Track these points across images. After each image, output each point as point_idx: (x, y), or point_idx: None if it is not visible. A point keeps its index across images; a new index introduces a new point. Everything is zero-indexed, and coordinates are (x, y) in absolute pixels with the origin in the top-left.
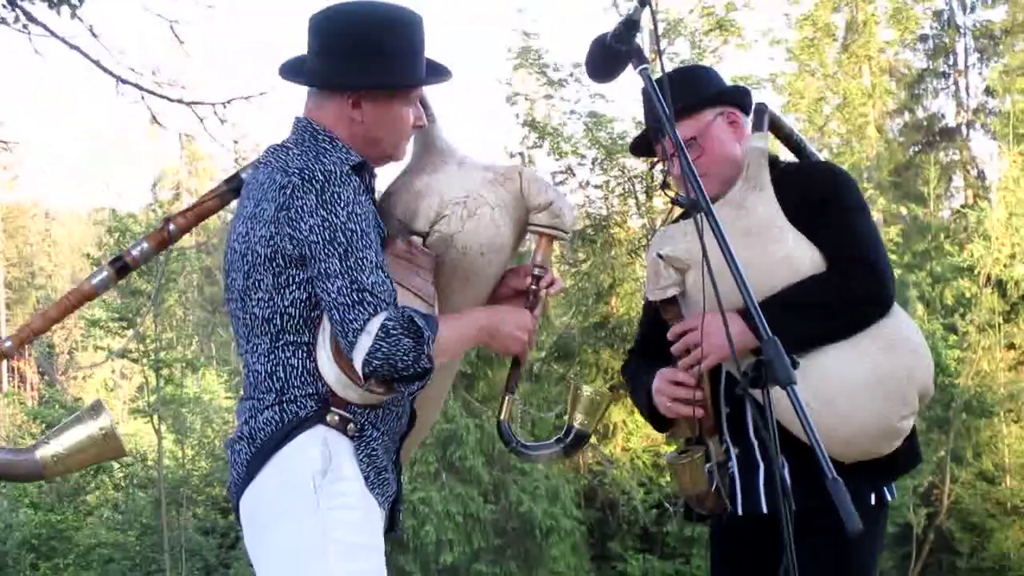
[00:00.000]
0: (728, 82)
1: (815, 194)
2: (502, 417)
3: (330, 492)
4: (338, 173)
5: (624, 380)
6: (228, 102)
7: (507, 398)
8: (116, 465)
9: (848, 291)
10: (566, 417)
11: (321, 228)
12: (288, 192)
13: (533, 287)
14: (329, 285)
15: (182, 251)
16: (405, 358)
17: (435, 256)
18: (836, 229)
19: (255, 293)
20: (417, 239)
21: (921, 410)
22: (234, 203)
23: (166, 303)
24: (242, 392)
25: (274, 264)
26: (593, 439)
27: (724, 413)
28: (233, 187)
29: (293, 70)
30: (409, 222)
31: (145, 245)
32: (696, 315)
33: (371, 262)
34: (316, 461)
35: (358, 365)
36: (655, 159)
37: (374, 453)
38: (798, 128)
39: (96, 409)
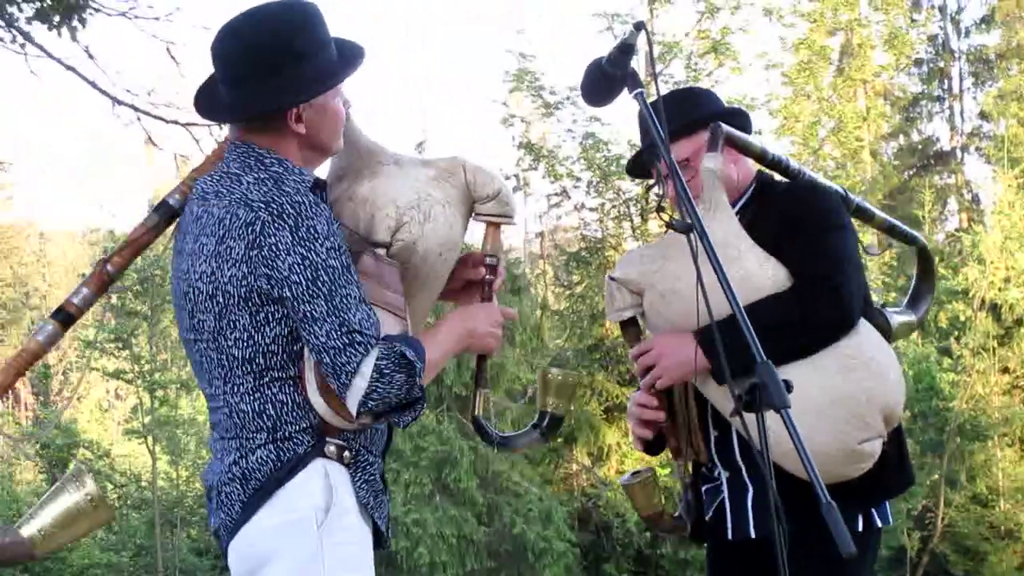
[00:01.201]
0: (724, 104)
1: (792, 212)
2: (477, 413)
3: (332, 528)
4: (307, 203)
5: None
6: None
7: (479, 393)
8: (110, 486)
9: (804, 311)
10: (538, 402)
11: (302, 267)
12: (258, 229)
13: (488, 277)
14: (316, 328)
15: None
16: (399, 393)
17: (400, 266)
18: (804, 248)
19: (231, 333)
20: (381, 251)
21: (892, 432)
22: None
23: (161, 324)
24: (217, 432)
25: (250, 304)
26: (587, 461)
27: (712, 436)
28: (164, 216)
29: (217, 108)
30: (368, 234)
31: (85, 291)
32: (652, 337)
33: (355, 298)
34: (318, 496)
35: (353, 407)
36: (651, 181)
37: (372, 478)
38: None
39: (78, 476)
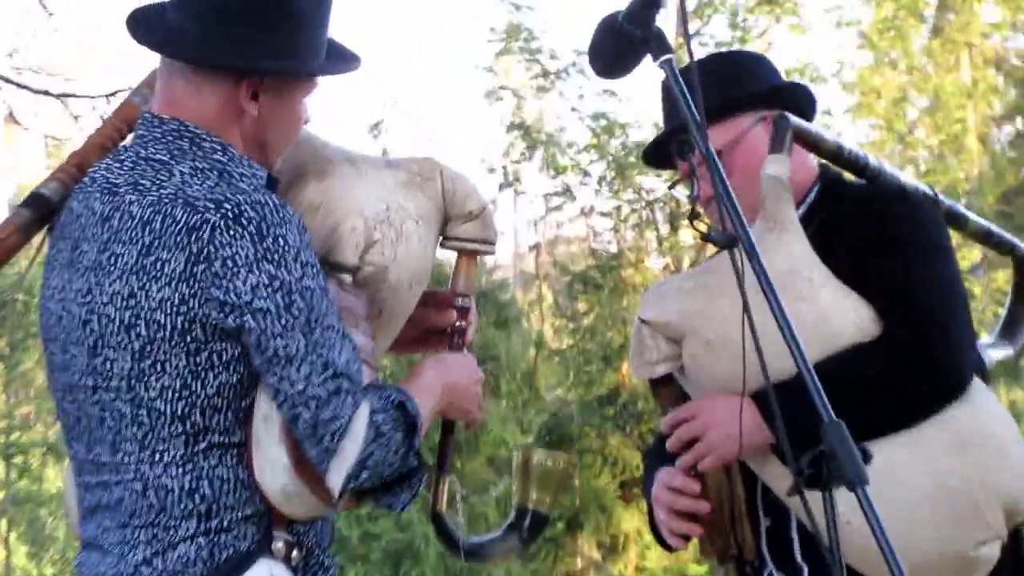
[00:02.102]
0: (782, 76)
1: (876, 227)
2: (440, 508)
3: None
4: (271, 205)
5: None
6: (112, 94)
7: (442, 480)
8: None
9: (899, 372)
10: (515, 496)
11: (270, 289)
12: (206, 236)
13: (459, 323)
14: (291, 371)
15: None
16: (395, 460)
17: (367, 299)
18: (895, 279)
19: (156, 380)
20: (346, 276)
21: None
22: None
23: (22, 365)
24: (112, 518)
25: (188, 339)
26: (596, 554)
27: (764, 527)
28: (40, 212)
29: (158, 35)
30: (330, 254)
31: None
32: (696, 401)
33: (337, 331)
34: None
35: (338, 481)
36: (676, 176)
37: None
38: (871, 139)
39: None
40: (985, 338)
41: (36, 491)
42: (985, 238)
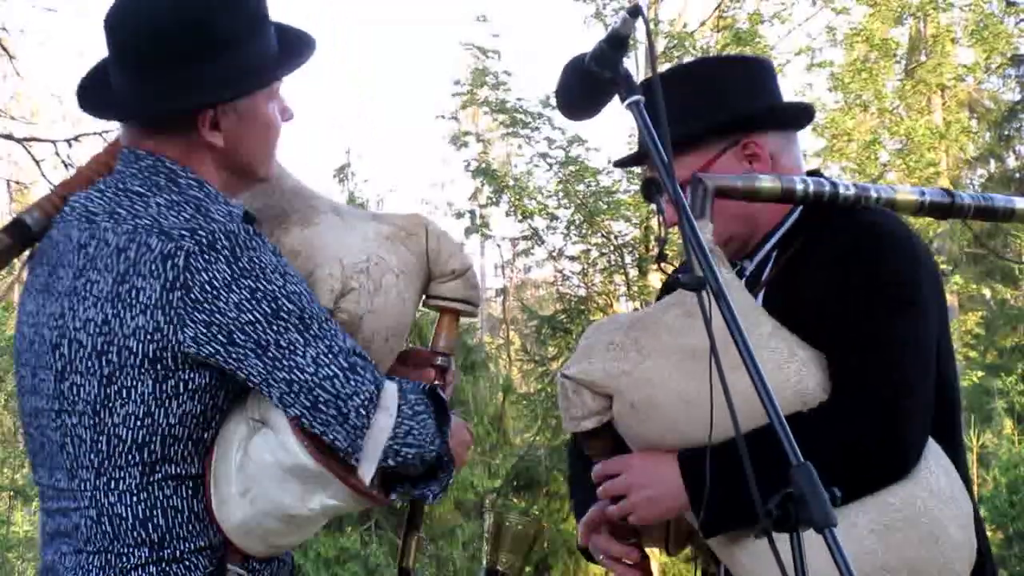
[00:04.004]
0: (772, 82)
1: (841, 273)
2: (408, 563)
3: None
4: (244, 233)
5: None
6: (76, 139)
7: (411, 538)
8: None
9: (834, 451)
10: (486, 556)
11: (254, 303)
12: (181, 264)
13: (438, 383)
14: (298, 359)
15: (11, 341)
16: (432, 445)
17: None
18: (850, 341)
19: (121, 406)
20: None
21: None
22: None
23: None
24: (69, 543)
25: (158, 367)
26: None
27: (722, 569)
28: (19, 239)
29: (103, 101)
30: None
31: None
32: (624, 458)
33: (336, 324)
34: None
35: (375, 459)
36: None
37: None
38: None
39: None
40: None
41: (3, 535)
42: None
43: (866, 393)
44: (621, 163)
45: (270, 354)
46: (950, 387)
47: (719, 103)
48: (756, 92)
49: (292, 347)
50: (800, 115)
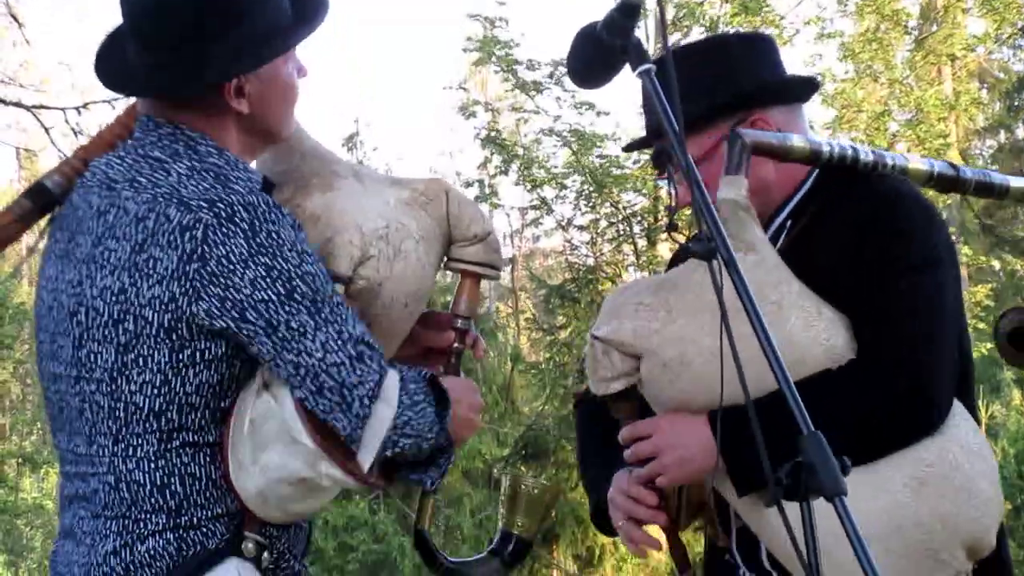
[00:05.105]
0: (777, 59)
1: (861, 236)
2: (422, 524)
3: None
4: (264, 205)
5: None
6: (84, 106)
7: (427, 500)
8: None
9: (865, 405)
10: (501, 520)
11: (269, 280)
12: (199, 236)
13: (457, 346)
14: (307, 343)
15: (20, 309)
16: (429, 434)
17: (358, 312)
18: (873, 300)
19: (138, 375)
20: (339, 288)
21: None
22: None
23: None
24: (87, 508)
25: (174, 337)
26: (572, 566)
27: (735, 528)
28: (40, 204)
29: (128, 77)
30: (324, 263)
31: None
32: (655, 419)
33: (348, 309)
34: None
35: (374, 448)
36: (663, 170)
37: None
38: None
39: None
40: None
41: (12, 502)
42: None
43: (893, 349)
44: (631, 147)
45: (280, 335)
46: (966, 356)
47: (725, 80)
48: (760, 68)
49: (302, 330)
50: (804, 88)
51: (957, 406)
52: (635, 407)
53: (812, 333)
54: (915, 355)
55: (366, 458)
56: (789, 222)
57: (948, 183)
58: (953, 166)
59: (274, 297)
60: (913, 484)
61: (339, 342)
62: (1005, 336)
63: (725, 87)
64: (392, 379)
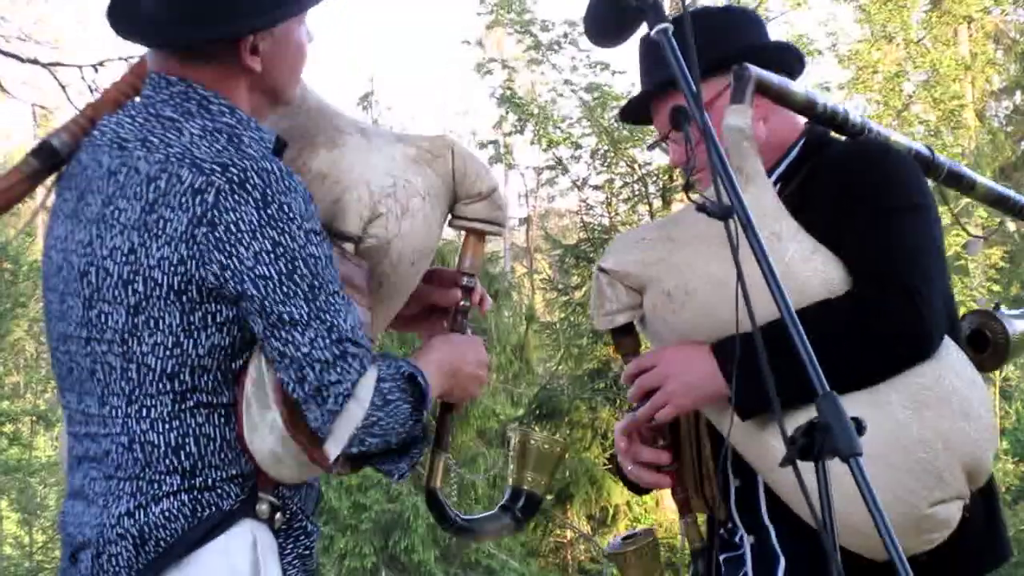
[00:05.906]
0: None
1: (850, 183)
2: (434, 484)
3: None
4: (278, 173)
5: None
6: (101, 64)
7: (439, 458)
8: None
9: (864, 325)
10: (511, 476)
11: (272, 256)
12: (210, 200)
13: (463, 303)
14: (296, 335)
15: (35, 267)
16: (401, 429)
17: (368, 270)
18: (865, 235)
19: (149, 336)
20: (349, 246)
21: (974, 491)
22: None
23: (12, 335)
24: (100, 468)
25: (184, 299)
26: (586, 526)
27: (733, 487)
28: (47, 163)
29: (138, 25)
30: (333, 222)
31: None
32: (657, 350)
33: (342, 298)
34: (243, 570)
35: (338, 443)
36: (658, 136)
37: (306, 553)
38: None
39: None
40: (1013, 312)
41: (26, 460)
42: (997, 203)
43: (887, 282)
44: (627, 116)
45: (271, 320)
46: (949, 299)
47: (736, 37)
48: (760, 33)
49: (292, 320)
50: (789, 55)
51: (948, 340)
52: (639, 342)
53: (810, 266)
54: (908, 284)
55: (332, 451)
56: (779, 185)
57: (922, 164)
58: (930, 149)
59: (275, 274)
60: (913, 406)
61: (327, 340)
62: (964, 339)
63: (724, 45)
64: (369, 378)
